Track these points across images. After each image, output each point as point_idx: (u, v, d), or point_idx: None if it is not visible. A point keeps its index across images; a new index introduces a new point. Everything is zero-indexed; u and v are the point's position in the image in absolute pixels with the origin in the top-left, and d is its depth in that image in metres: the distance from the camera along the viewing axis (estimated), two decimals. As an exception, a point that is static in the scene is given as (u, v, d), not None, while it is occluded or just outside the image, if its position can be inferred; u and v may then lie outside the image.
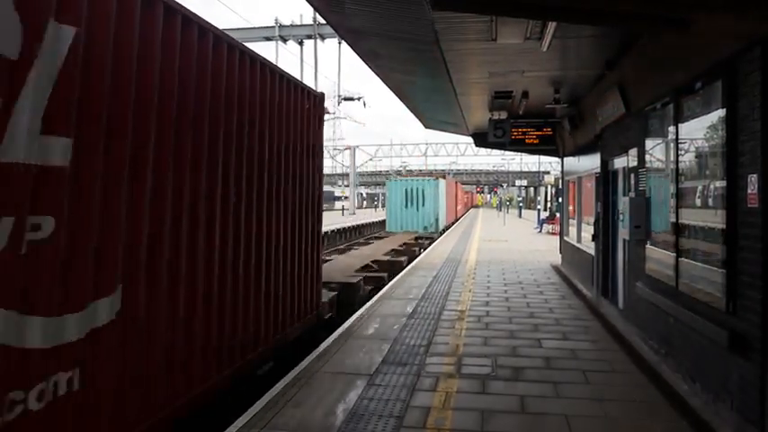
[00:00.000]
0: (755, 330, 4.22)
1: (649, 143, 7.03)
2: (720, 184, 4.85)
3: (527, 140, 12.98)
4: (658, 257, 6.59)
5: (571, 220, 14.23)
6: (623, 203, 7.72)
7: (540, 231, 30.20)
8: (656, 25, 4.31)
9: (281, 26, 19.44)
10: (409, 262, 16.87)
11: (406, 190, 29.68)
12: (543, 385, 5.66)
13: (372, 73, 9.89)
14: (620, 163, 8.79)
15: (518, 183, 57.02)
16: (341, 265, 13.86)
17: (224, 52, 4.88)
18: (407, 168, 68.94)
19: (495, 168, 75.17)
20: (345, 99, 22.54)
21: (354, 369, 6.16)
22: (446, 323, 8.35)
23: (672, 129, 6.07)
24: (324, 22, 12.06)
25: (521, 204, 61.85)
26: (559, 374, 6.00)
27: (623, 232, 7.67)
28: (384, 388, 5.55)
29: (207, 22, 4.53)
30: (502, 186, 76.32)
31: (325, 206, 54.81)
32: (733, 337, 4.53)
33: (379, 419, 4.78)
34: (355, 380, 5.79)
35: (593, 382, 5.77)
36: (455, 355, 6.70)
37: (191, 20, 4.29)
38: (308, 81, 25.04)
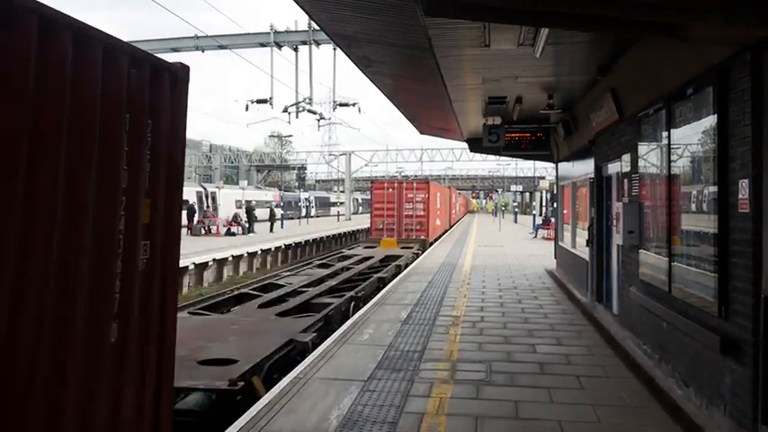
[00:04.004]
0: (747, 335, 4.22)
1: (642, 148, 7.06)
2: (712, 189, 4.87)
3: (521, 146, 13.01)
4: (652, 262, 6.60)
5: (566, 225, 14.26)
6: (617, 209, 7.74)
7: (536, 236, 30.24)
8: (646, 31, 4.34)
9: (276, 32, 19.47)
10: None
11: None
12: (537, 390, 5.66)
13: (367, 79, 9.92)
14: (613, 168, 8.82)
15: (513, 188, 57.12)
16: None
17: None
18: (403, 174, 68.93)
19: (491, 174, 75.26)
20: (340, 105, 22.55)
21: (348, 375, 6.15)
22: (441, 329, 8.35)
23: (664, 134, 6.10)
24: (318, 28, 12.10)
25: (516, 209, 61.95)
26: (553, 380, 6.00)
27: (617, 237, 7.69)
28: (378, 394, 5.54)
29: None
30: (497, 192, 76.44)
31: (320, 212, 54.99)
32: (725, 342, 4.53)
33: (373, 425, 4.77)
34: (349, 386, 5.77)
35: (586, 388, 5.78)
36: (449, 361, 6.69)
37: None
38: (303, 87, 25.04)
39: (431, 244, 25.43)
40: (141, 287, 3.01)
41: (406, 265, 17.67)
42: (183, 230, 30.73)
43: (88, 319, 2.59)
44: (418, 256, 20.15)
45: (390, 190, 25.44)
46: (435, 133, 19.22)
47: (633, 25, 4.24)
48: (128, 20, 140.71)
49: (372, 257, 19.16)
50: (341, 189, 68.68)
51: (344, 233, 35.84)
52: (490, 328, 8.39)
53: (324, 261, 19.63)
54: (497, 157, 31.32)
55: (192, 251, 20.52)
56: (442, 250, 22.18)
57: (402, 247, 22.75)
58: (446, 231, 35.15)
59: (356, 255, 20.46)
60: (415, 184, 25.97)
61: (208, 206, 40.06)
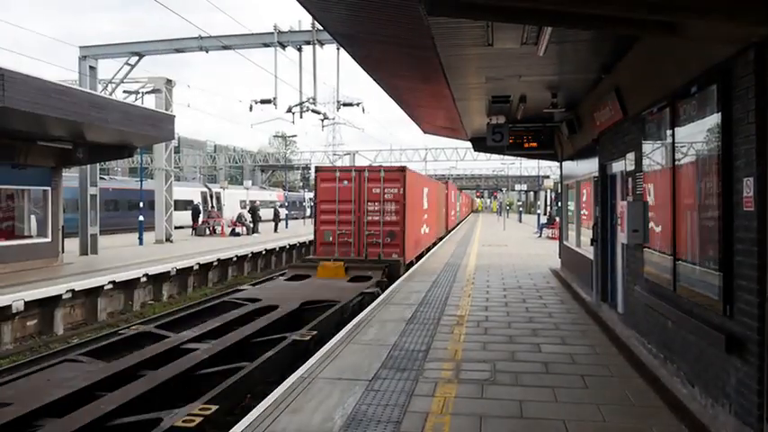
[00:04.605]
0: (752, 333, 4.21)
1: (647, 147, 7.04)
2: (717, 187, 4.85)
3: (525, 145, 13.00)
4: (656, 261, 6.58)
5: (570, 225, 14.22)
6: (621, 207, 7.72)
7: (540, 236, 30.21)
8: (647, 29, 4.33)
9: (279, 32, 19.47)
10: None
11: None
12: (542, 390, 5.65)
13: (371, 78, 9.92)
14: (618, 167, 8.79)
15: (518, 187, 57.02)
16: None
17: None
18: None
19: (495, 173, 75.10)
20: (344, 105, 22.53)
21: (353, 374, 6.16)
22: (445, 328, 8.34)
23: (669, 132, 6.08)
24: (322, 28, 12.11)
25: (521, 209, 61.86)
26: (558, 379, 5.99)
27: (622, 236, 7.67)
28: (383, 393, 5.55)
29: None
30: (501, 191, 76.34)
31: (324, 211, 52.31)
32: (730, 341, 4.52)
33: (377, 425, 4.77)
34: (354, 385, 5.78)
35: (591, 387, 5.76)
36: (454, 361, 6.69)
37: None
38: (307, 87, 25.08)
39: (408, 266, 16.36)
40: None
41: (346, 320, 9.67)
42: (188, 231, 31.06)
43: None
44: (375, 297, 11.58)
45: (345, 182, 16.19)
46: (439, 132, 19.22)
47: (634, 23, 4.23)
48: (128, 19, 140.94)
49: (277, 308, 10.44)
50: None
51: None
52: (495, 328, 8.39)
53: (153, 326, 9.67)
54: (501, 156, 31.24)
55: (196, 251, 20.64)
56: (446, 250, 22.16)
57: (353, 278, 14.26)
58: (441, 239, 26.99)
59: (252, 299, 11.35)
60: (382, 173, 16.26)
61: (212, 206, 40.37)
